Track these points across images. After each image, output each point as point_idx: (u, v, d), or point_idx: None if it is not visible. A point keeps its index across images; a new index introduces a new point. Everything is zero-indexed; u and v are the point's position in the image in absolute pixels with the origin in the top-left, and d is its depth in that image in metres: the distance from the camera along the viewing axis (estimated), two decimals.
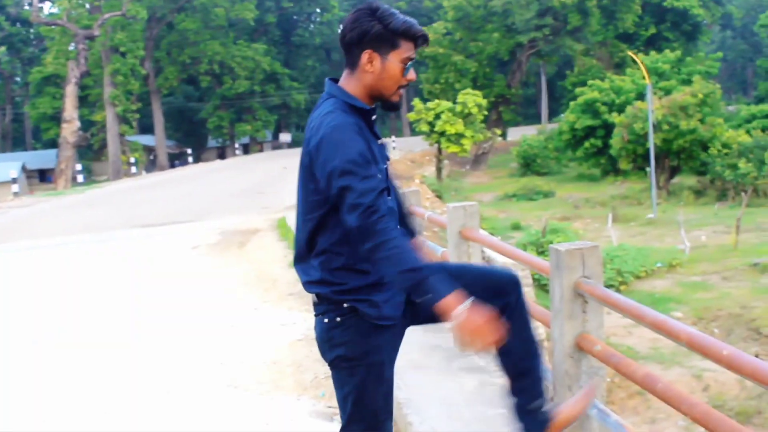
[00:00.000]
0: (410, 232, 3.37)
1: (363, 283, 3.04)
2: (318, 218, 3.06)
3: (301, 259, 3.19)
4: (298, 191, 3.16)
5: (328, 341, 3.11)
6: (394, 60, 3.04)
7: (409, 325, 3.29)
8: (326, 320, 3.08)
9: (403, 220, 3.34)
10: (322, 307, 3.10)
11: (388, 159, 3.22)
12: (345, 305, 3.03)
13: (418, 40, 3.08)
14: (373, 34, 3.02)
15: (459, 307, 2.74)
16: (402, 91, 3.13)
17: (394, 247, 2.78)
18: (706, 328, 13.15)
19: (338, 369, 3.12)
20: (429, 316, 3.04)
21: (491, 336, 2.77)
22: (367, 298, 3.04)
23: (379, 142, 3.16)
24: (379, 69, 3.05)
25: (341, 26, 3.15)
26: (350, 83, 3.11)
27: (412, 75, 3.09)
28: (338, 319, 3.05)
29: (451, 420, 4.82)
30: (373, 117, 3.13)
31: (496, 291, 3.21)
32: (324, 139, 2.93)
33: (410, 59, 3.07)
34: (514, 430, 3.43)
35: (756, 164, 28.14)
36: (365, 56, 3.04)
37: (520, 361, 3.27)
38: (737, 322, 13.18)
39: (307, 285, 3.15)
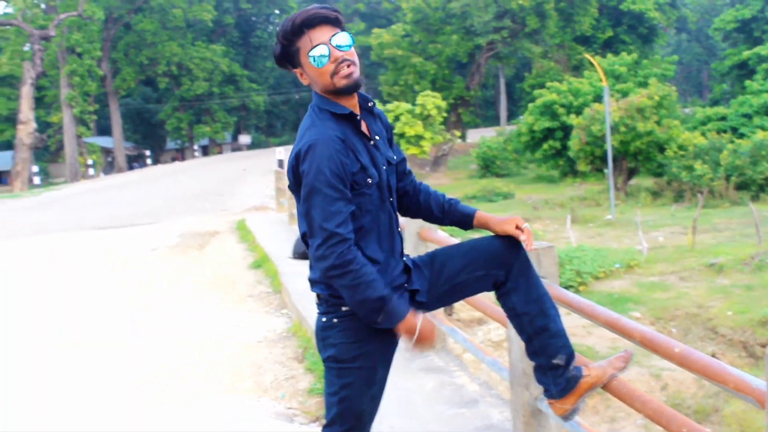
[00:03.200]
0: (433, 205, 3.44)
1: None
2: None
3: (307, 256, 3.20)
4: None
5: (322, 340, 3.09)
6: (305, 60, 2.95)
7: None
8: (324, 319, 3.07)
9: (418, 197, 3.42)
10: (322, 306, 3.09)
11: (392, 157, 3.18)
12: (344, 308, 3.01)
13: (303, 25, 2.92)
14: (279, 54, 3.02)
15: (417, 323, 2.91)
16: (347, 68, 2.91)
17: (360, 276, 2.85)
18: (664, 327, 13.27)
19: (329, 368, 3.10)
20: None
21: (432, 339, 2.98)
22: None
23: (373, 142, 3.07)
24: (309, 77, 3.00)
25: None
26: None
27: (336, 54, 2.91)
28: (335, 320, 3.03)
29: (409, 419, 4.84)
30: (358, 117, 3.03)
31: (500, 261, 3.20)
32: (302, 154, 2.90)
33: (314, 46, 2.90)
34: (544, 394, 3.41)
35: (711, 166, 28.52)
36: (298, 75, 3.04)
37: (534, 321, 3.25)
38: (694, 322, 13.32)
39: (310, 282, 3.14)
